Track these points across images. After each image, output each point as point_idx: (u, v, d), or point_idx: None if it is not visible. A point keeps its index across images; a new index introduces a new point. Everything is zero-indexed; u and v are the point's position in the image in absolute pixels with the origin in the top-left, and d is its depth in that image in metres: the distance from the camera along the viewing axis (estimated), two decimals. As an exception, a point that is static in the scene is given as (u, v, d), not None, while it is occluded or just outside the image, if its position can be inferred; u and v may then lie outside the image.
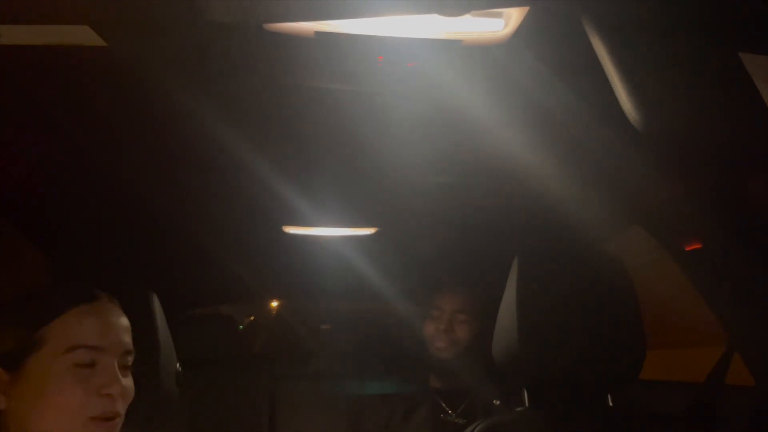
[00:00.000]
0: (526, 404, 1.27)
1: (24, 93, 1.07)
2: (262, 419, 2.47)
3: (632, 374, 1.19)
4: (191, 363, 1.74)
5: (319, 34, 0.88)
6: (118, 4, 0.80)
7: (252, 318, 4.64)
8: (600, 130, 1.07)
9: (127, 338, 1.02)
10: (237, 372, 2.56)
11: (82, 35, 0.86)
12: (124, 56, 0.94)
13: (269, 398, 2.50)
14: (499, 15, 0.86)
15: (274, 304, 4.54)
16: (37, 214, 1.64)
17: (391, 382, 2.34)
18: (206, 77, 1.04)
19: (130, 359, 1.02)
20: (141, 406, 1.05)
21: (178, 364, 1.38)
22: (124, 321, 1.03)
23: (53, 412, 0.93)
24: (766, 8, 0.71)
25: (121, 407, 0.98)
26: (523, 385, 1.29)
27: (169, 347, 1.34)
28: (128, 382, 1.00)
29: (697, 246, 1.30)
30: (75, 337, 0.96)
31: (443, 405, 1.95)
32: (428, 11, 0.80)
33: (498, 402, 1.86)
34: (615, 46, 0.72)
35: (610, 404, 1.27)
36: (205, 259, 2.17)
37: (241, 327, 4.11)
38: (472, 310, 1.93)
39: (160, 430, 1.33)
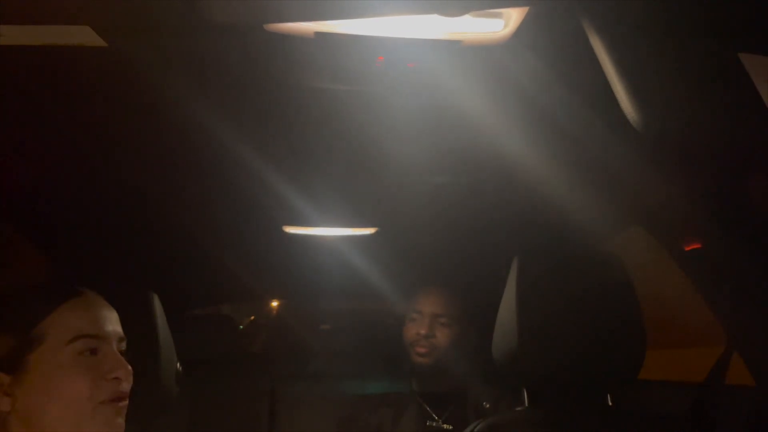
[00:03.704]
0: (526, 404, 1.27)
1: (24, 93, 1.07)
2: (261, 419, 2.47)
3: (632, 374, 1.19)
4: (191, 363, 1.74)
5: (319, 35, 0.88)
6: (119, 4, 0.80)
7: (252, 318, 4.64)
8: (600, 130, 1.07)
9: (118, 325, 1.06)
10: (237, 372, 2.56)
11: (83, 35, 0.86)
12: (125, 56, 0.94)
13: (269, 398, 2.50)
14: (498, 15, 0.86)
15: (274, 304, 4.54)
16: (37, 214, 1.64)
17: (390, 382, 2.33)
18: (206, 77, 1.04)
19: (124, 345, 1.05)
20: (141, 405, 1.06)
21: (178, 364, 1.38)
22: (111, 310, 1.07)
23: (64, 403, 0.95)
24: (766, 9, 0.71)
25: (127, 389, 1.01)
26: (523, 385, 1.29)
27: (169, 347, 1.34)
28: (128, 366, 1.03)
29: (697, 246, 1.30)
30: (75, 329, 0.99)
31: (429, 410, 1.91)
32: (428, 11, 0.81)
33: (488, 405, 1.84)
34: (615, 47, 0.72)
35: (610, 404, 1.27)
36: (206, 259, 2.17)
37: (241, 327, 4.11)
38: (453, 314, 1.90)
39: (159, 430, 1.33)
